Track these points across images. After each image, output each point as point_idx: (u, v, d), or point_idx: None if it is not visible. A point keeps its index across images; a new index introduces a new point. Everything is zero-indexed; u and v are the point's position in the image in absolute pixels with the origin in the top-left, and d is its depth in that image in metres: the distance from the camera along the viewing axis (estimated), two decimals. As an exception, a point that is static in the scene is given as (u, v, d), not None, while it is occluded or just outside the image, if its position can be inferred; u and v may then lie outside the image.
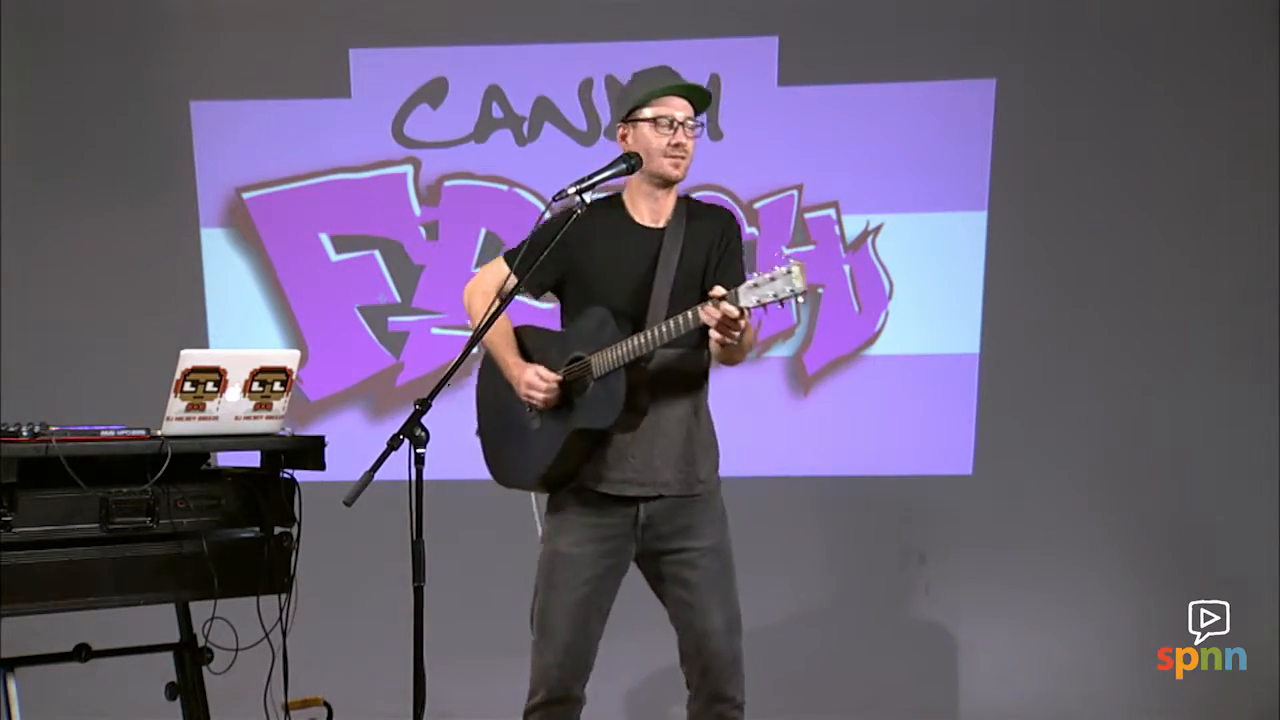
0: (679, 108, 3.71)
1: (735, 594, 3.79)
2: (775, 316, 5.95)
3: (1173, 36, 5.95)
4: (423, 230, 6.22)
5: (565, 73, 6.15)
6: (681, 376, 3.73)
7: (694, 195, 3.91)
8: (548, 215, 3.78)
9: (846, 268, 6.07)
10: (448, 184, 6.21)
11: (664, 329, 3.53)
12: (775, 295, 3.34)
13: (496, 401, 3.89)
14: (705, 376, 3.81)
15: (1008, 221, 5.99)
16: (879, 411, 6.06)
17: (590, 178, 3.60)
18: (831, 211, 6.06)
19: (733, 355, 3.69)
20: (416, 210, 6.22)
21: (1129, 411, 5.98)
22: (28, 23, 6.22)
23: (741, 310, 3.39)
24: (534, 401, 3.73)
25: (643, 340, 3.55)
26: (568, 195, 3.59)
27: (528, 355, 3.82)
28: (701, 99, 3.74)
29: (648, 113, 3.70)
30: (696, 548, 3.74)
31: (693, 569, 3.74)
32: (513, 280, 3.75)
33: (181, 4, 6.30)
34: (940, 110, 6.00)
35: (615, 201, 3.81)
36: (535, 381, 3.72)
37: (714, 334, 3.48)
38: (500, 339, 3.83)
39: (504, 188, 6.18)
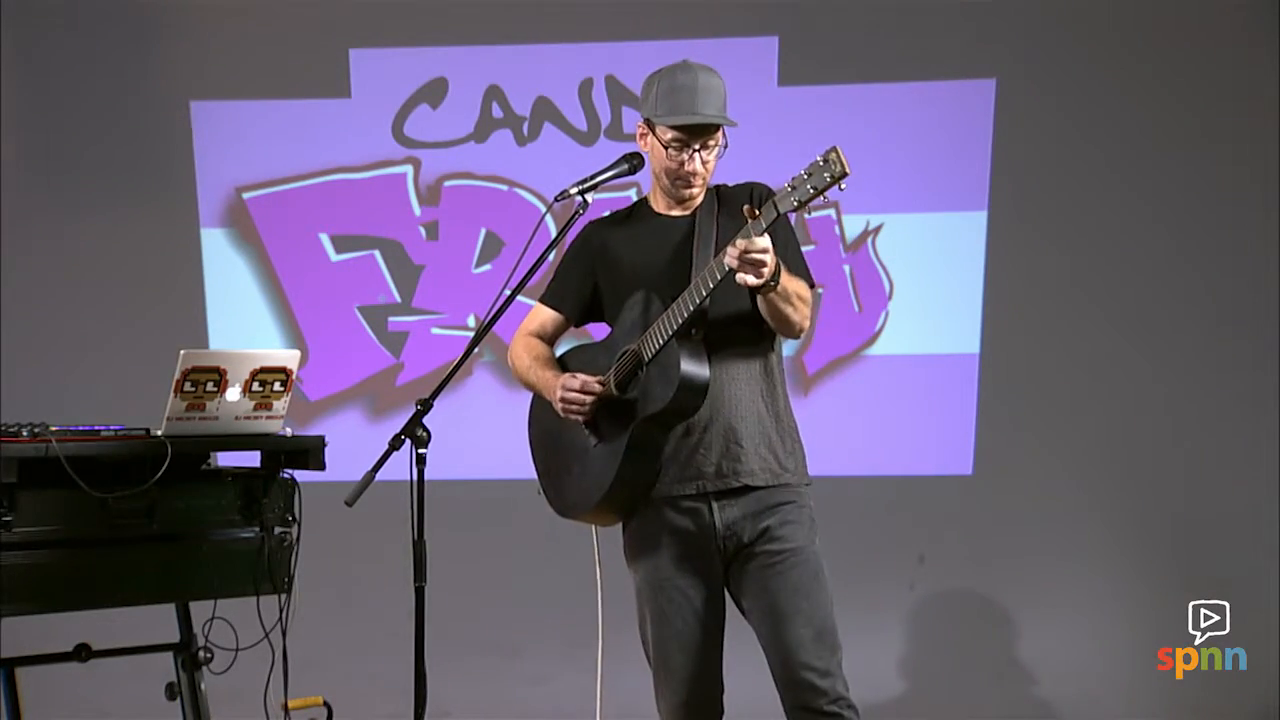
0: (694, 133, 3.44)
1: (827, 604, 3.43)
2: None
3: (1173, 36, 5.96)
4: (423, 230, 6.21)
5: (565, 73, 6.14)
6: (749, 355, 3.45)
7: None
8: (555, 231, 3.54)
9: (846, 268, 6.07)
10: (448, 184, 6.21)
11: (703, 279, 3.28)
12: (815, 188, 3.05)
13: (547, 436, 3.62)
14: (772, 349, 3.50)
15: (1008, 221, 5.99)
16: (879, 411, 6.06)
17: (592, 178, 3.52)
18: (831, 212, 6.06)
19: (779, 311, 3.32)
20: (416, 210, 6.22)
21: (1129, 411, 5.98)
22: (28, 23, 6.22)
23: (767, 235, 3.11)
24: (573, 413, 3.47)
25: (685, 299, 3.31)
26: (569, 196, 3.51)
27: None
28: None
29: (661, 132, 3.46)
30: (781, 550, 3.41)
31: (777, 574, 3.40)
32: (551, 315, 3.62)
33: (181, 4, 6.30)
34: (940, 110, 6.00)
35: (638, 204, 3.63)
36: (569, 383, 3.47)
37: (743, 278, 3.17)
38: (533, 362, 3.61)
39: (504, 188, 6.18)
